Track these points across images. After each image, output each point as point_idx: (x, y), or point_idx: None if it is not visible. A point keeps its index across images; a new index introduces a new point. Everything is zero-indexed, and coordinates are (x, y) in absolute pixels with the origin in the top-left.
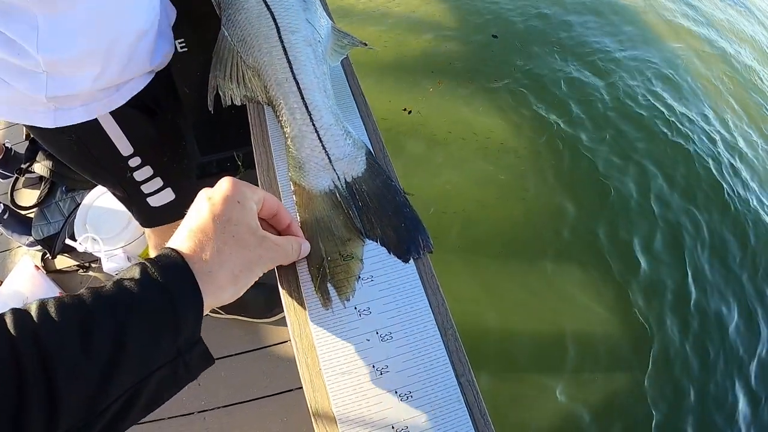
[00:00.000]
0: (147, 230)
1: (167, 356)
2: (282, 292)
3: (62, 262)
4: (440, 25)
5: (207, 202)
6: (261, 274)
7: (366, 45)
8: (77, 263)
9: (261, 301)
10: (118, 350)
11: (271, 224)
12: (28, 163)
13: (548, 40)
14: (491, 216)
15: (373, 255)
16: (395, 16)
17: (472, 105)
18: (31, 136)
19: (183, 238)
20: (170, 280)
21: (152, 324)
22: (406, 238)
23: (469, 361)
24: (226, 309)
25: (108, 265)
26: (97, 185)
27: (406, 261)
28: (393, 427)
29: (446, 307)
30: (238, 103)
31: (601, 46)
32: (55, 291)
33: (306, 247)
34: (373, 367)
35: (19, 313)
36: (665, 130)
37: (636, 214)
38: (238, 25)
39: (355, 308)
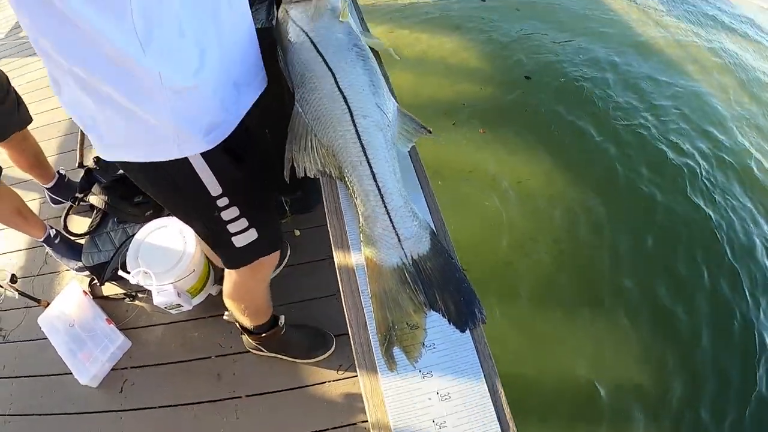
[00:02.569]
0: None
1: None
2: (355, 353)
3: (109, 289)
4: (476, 70)
5: None
6: None
7: (431, 133)
8: (124, 292)
9: (305, 343)
10: None
11: None
12: (83, 194)
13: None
14: (530, 263)
15: (435, 325)
16: (431, 62)
17: (507, 149)
18: (87, 167)
19: None
20: None
21: None
22: (464, 312)
23: (513, 415)
24: (269, 347)
25: (158, 299)
26: (149, 221)
27: (463, 331)
28: None
29: (495, 370)
30: (311, 175)
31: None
32: (101, 316)
33: None
34: (433, 422)
35: None
36: (701, 190)
37: (676, 268)
38: (312, 104)
39: (420, 371)
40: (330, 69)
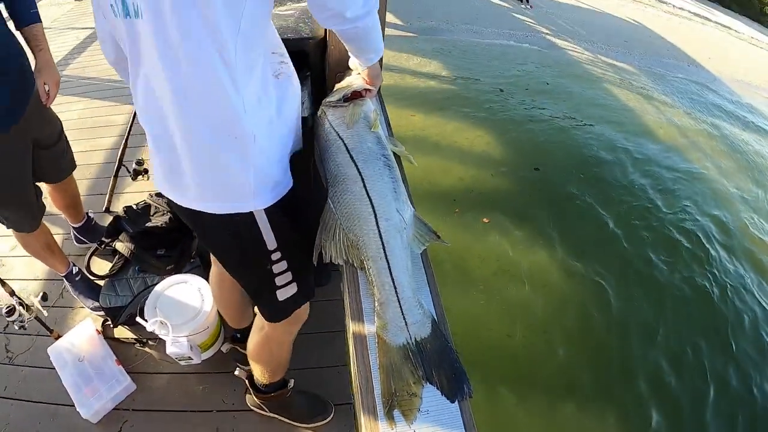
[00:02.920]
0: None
1: None
2: (361, 415)
3: (121, 332)
4: (487, 157)
5: None
6: None
7: (439, 238)
8: (135, 337)
9: (305, 408)
10: None
11: None
12: (110, 239)
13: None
14: (537, 351)
15: (430, 395)
16: (444, 147)
17: (514, 236)
18: (117, 214)
19: None
20: None
21: None
22: (455, 387)
23: None
24: (272, 408)
25: (171, 349)
26: (169, 275)
27: (452, 402)
28: None
29: None
30: (336, 262)
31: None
32: (111, 356)
33: None
34: None
35: None
36: (714, 291)
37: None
38: (343, 203)
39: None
40: (360, 174)
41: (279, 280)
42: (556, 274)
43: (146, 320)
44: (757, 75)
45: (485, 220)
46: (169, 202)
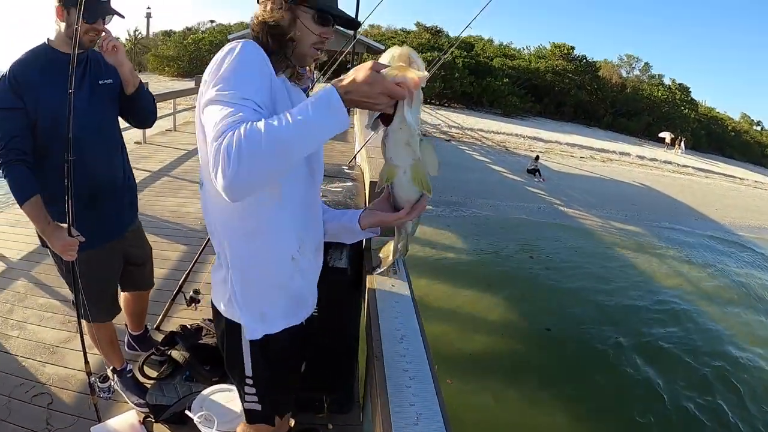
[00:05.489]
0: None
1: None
2: None
3: (160, 429)
4: (500, 322)
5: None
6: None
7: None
8: None
9: None
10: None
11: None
12: (166, 347)
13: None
14: None
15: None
16: (460, 313)
17: (529, 399)
18: (173, 330)
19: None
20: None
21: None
22: None
23: None
24: None
25: None
26: (215, 384)
27: None
28: None
29: None
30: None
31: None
32: None
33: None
34: None
35: None
36: None
37: None
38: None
39: None
40: None
41: (247, 395)
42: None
43: (193, 414)
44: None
45: (448, 380)
46: None
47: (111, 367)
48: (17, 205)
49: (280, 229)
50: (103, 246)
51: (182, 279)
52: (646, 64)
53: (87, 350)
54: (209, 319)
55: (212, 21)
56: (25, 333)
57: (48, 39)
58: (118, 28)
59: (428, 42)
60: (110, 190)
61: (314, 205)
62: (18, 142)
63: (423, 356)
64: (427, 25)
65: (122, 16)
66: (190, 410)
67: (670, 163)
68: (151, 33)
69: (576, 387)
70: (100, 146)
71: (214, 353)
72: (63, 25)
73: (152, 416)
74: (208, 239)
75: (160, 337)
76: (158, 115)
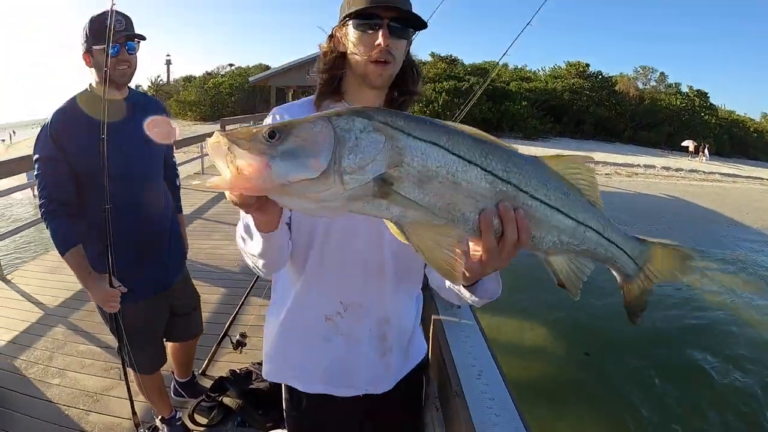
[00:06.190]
0: None
1: None
2: None
3: None
4: (540, 350)
5: None
6: None
7: None
8: None
9: None
10: None
11: None
12: (216, 394)
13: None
14: None
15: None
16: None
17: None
18: (221, 376)
19: None
20: None
21: None
22: None
23: None
24: None
25: None
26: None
27: None
28: None
29: None
30: None
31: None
32: None
33: None
34: None
35: None
36: None
37: None
38: None
39: None
40: None
41: None
42: None
43: None
44: None
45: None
46: None
47: (160, 417)
48: (54, 251)
49: None
50: (150, 297)
51: (228, 322)
52: (662, 73)
53: (133, 397)
54: (258, 363)
55: (231, 65)
56: (67, 380)
57: (90, 85)
58: (140, 77)
59: (444, 72)
60: (158, 241)
61: None
62: (59, 192)
63: (505, 393)
64: (442, 55)
65: (143, 38)
66: None
67: (696, 171)
68: (171, 79)
69: (617, 412)
70: (155, 192)
71: (266, 398)
72: (94, 71)
73: None
74: (255, 281)
75: (206, 383)
76: (186, 158)
